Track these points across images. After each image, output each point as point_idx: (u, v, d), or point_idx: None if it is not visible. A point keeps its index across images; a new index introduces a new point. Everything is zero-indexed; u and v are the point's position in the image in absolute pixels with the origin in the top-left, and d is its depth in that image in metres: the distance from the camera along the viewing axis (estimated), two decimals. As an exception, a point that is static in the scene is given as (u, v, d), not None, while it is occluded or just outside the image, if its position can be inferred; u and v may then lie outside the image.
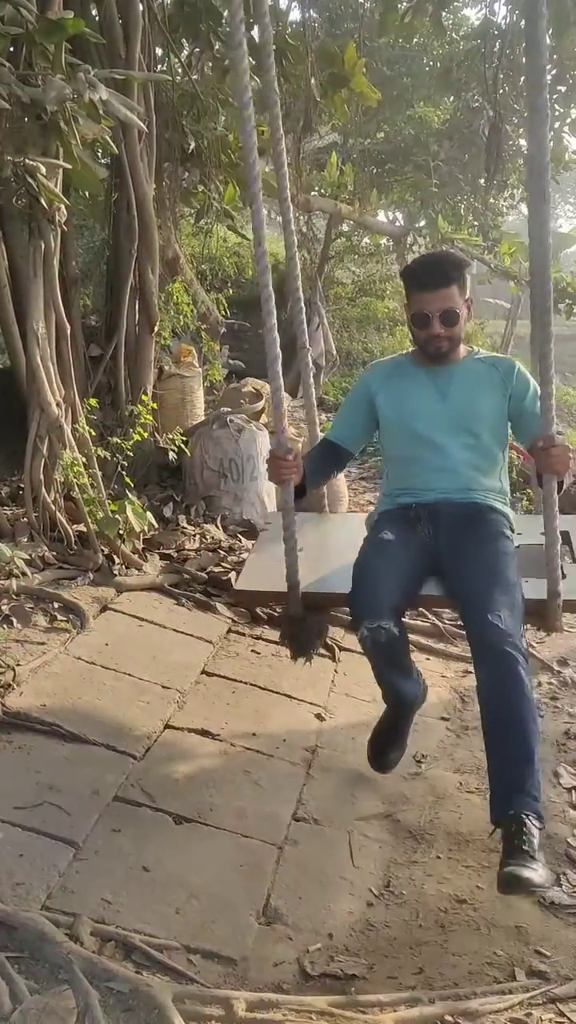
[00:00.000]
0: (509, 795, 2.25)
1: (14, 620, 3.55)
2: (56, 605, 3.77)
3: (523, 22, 8.86)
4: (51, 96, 3.64)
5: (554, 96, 10.56)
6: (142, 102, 5.05)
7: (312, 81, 6.38)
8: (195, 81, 5.90)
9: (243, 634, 4.09)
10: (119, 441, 4.60)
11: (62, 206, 4.13)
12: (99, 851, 2.44)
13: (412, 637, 4.30)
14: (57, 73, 3.70)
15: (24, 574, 3.84)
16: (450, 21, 10.68)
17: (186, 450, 5.32)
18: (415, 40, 11.01)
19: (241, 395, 6.41)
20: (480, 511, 2.74)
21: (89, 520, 4.23)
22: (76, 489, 4.21)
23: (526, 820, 2.19)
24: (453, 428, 2.76)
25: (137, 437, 4.72)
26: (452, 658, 4.24)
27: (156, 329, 5.69)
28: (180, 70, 5.95)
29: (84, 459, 4.30)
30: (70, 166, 3.99)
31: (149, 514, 4.54)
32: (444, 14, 8.44)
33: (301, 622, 2.86)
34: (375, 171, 11.74)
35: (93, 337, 5.78)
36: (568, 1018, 2.03)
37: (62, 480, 4.31)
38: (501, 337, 12.96)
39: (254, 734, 3.22)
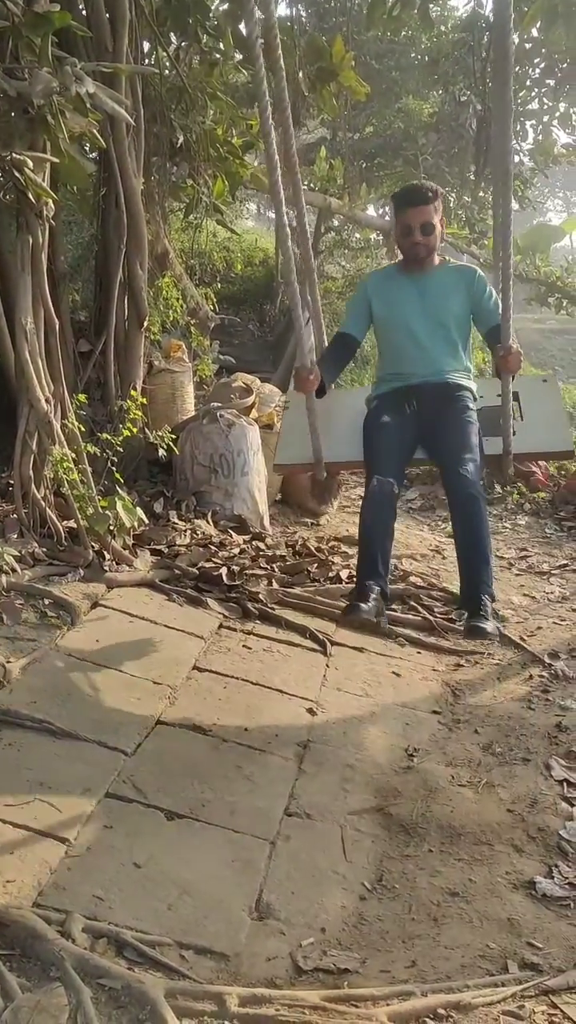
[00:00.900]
0: (474, 585, 3.32)
1: (4, 617, 3.53)
2: (46, 601, 3.75)
3: (511, 15, 8.86)
4: (38, 90, 3.62)
5: (542, 90, 10.58)
6: (129, 96, 5.02)
7: (300, 75, 6.36)
8: (183, 75, 5.87)
9: (234, 629, 4.08)
10: (109, 437, 4.59)
11: (50, 201, 4.11)
12: (91, 848, 2.43)
13: (403, 631, 4.33)
14: (44, 66, 3.68)
15: (14, 571, 3.82)
16: (436, 12, 10.65)
17: (174, 447, 5.31)
18: (403, 33, 11.00)
19: (231, 390, 6.38)
20: (451, 388, 3.65)
21: (79, 516, 4.22)
22: (66, 485, 4.19)
23: (482, 598, 3.27)
24: (430, 321, 3.66)
25: (127, 433, 4.71)
26: (443, 652, 4.24)
27: (145, 324, 5.67)
28: (168, 64, 5.92)
29: (74, 455, 4.29)
30: (57, 160, 3.97)
31: (139, 510, 4.52)
32: (431, 7, 8.42)
33: (324, 482, 4.64)
34: (364, 165, 11.72)
35: (82, 332, 5.76)
36: (561, 1010, 2.03)
37: (52, 476, 4.29)
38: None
39: (246, 729, 3.22)
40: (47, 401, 4.21)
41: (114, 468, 4.59)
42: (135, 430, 4.91)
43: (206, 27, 5.59)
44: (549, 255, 14.15)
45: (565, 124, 11.10)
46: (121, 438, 4.64)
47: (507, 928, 2.35)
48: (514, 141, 10.93)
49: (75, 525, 4.27)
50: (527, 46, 10.09)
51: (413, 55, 12.03)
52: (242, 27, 5.94)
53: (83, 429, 4.51)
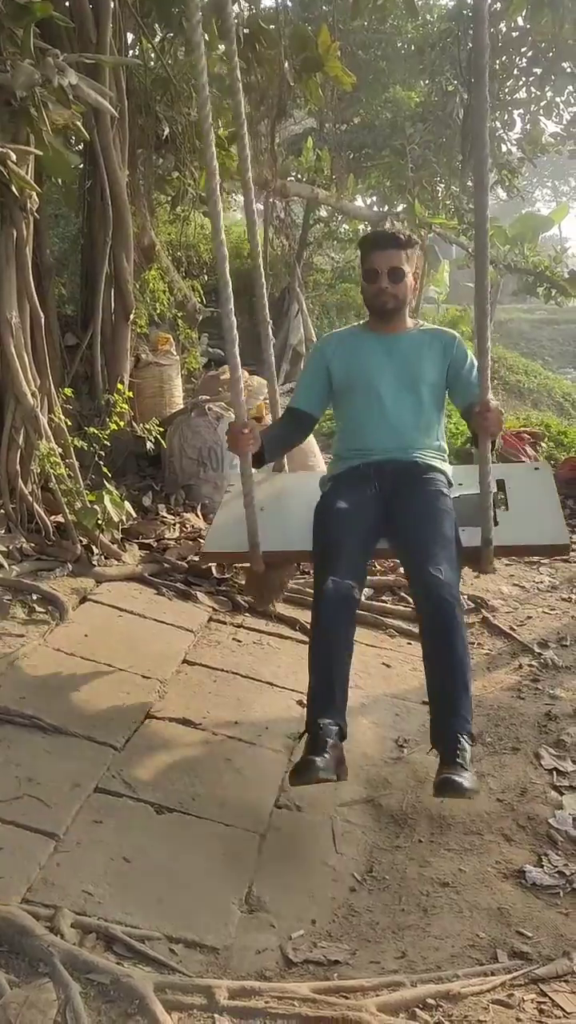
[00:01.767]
0: (447, 719, 2.62)
1: (-8, 612, 3.53)
2: (35, 597, 3.74)
3: (497, 4, 8.86)
4: (20, 81, 3.59)
5: (529, 79, 10.56)
6: (113, 87, 4.99)
7: (286, 65, 6.33)
8: (168, 66, 5.84)
9: (224, 622, 4.07)
10: (96, 431, 4.57)
11: (34, 194, 4.08)
12: (80, 843, 2.42)
13: (393, 622, 4.32)
14: (26, 58, 3.65)
15: (1, 566, 3.81)
16: (422, 2, 10.62)
17: (163, 440, 5.29)
18: (388, 23, 10.96)
19: (220, 383, 6.36)
20: (420, 469, 3.06)
21: (67, 511, 4.20)
22: (53, 480, 4.18)
23: (460, 739, 2.56)
24: (398, 387, 3.08)
25: (114, 427, 4.69)
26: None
27: (132, 317, 5.64)
28: (153, 55, 5.88)
29: (61, 449, 4.27)
30: (41, 153, 3.94)
31: (128, 504, 4.51)
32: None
33: (263, 576, 3.32)
34: (352, 156, 11.67)
35: (69, 326, 5.73)
36: (550, 998, 2.03)
37: (39, 471, 4.28)
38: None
39: (236, 722, 3.22)
40: (33, 395, 4.19)
41: (102, 462, 4.57)
42: (122, 424, 4.89)
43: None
44: (537, 244, 14.17)
45: (552, 113, 11.08)
46: (108, 432, 4.62)
47: (497, 917, 2.36)
48: (501, 131, 10.96)
49: (63, 520, 4.26)
50: (514, 35, 10.07)
51: (399, 45, 11.97)
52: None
53: (70, 423, 4.50)
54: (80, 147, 5.14)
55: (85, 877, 2.29)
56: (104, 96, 4.06)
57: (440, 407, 3.20)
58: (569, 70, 10.15)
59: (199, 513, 5.27)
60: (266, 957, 2.17)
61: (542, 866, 2.57)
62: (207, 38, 5.93)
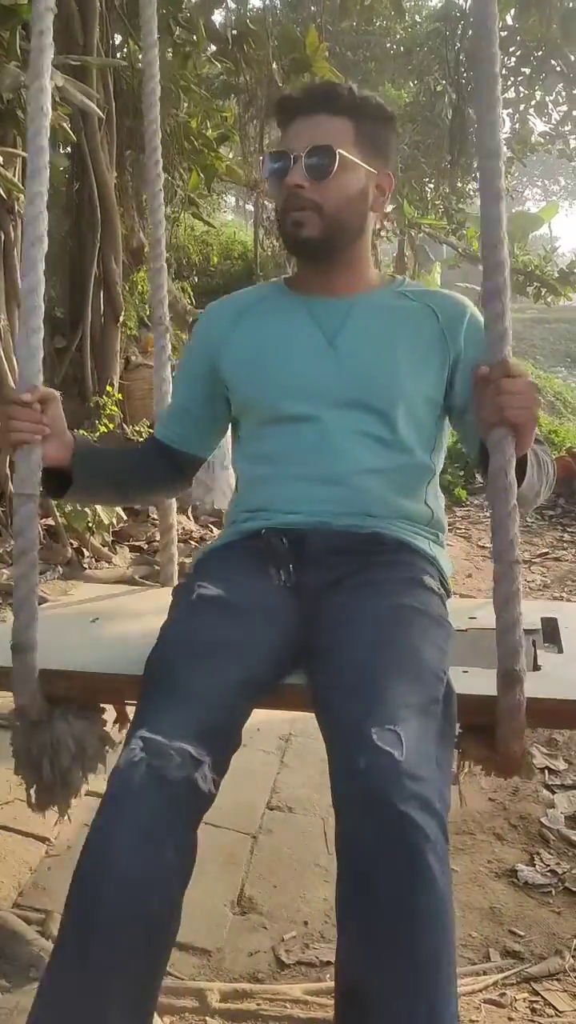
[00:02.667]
0: None
1: (-18, 616, 3.52)
2: (25, 600, 3.73)
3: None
4: (6, 83, 3.59)
5: (518, 79, 10.59)
6: (101, 89, 5.00)
7: (274, 66, 6.35)
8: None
9: (215, 624, 4.06)
10: (86, 433, 4.56)
11: (21, 196, 4.07)
12: (71, 846, 2.41)
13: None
14: (11, 60, 3.64)
15: (-8, 570, 3.81)
16: (410, 2, 10.64)
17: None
18: (377, 24, 10.99)
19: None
20: (383, 549, 1.58)
21: (57, 514, 4.20)
22: (43, 482, 4.18)
23: None
24: (344, 400, 1.60)
25: (104, 429, 4.69)
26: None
27: (121, 319, 5.65)
28: (140, 56, 5.88)
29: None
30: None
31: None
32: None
33: (41, 731, 1.64)
34: (341, 156, 11.70)
35: (57, 329, 5.73)
36: (542, 997, 2.03)
37: (29, 474, 4.27)
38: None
39: (227, 724, 3.20)
40: (22, 398, 4.18)
41: (92, 464, 4.56)
42: (112, 426, 4.89)
43: (179, 19, 5.56)
44: (527, 244, 14.20)
45: (541, 113, 11.12)
46: (99, 434, 4.62)
47: (489, 917, 2.36)
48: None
49: (53, 523, 4.25)
50: (503, 34, 10.10)
51: (388, 45, 12.02)
52: (215, 18, 5.92)
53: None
54: (67, 149, 5.14)
55: (76, 881, 2.28)
56: (91, 98, 4.05)
57: (432, 439, 1.68)
58: (558, 69, 10.19)
59: (190, 515, 5.26)
60: (258, 959, 2.17)
61: (534, 865, 2.56)
62: (195, 39, 5.96)
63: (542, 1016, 1.98)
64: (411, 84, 11.66)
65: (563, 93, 10.79)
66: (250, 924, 2.29)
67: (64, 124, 3.97)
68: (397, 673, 1.28)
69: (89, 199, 5.24)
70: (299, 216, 1.56)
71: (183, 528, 5.07)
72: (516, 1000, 2.01)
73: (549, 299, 12.25)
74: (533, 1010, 2.00)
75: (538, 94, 10.76)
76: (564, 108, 11.05)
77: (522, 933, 2.29)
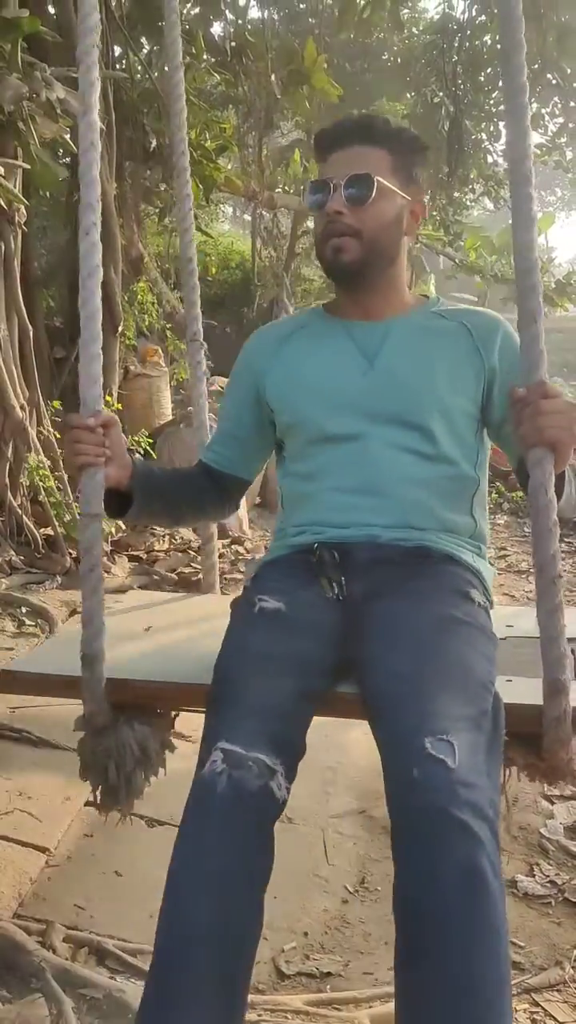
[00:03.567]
0: None
1: (-18, 626, 3.52)
2: (24, 610, 3.73)
3: (482, 16, 8.94)
4: (8, 95, 3.61)
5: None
6: (101, 100, 5.01)
7: (273, 78, 6.38)
8: (155, 79, 5.86)
9: (214, 634, 4.07)
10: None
11: (22, 207, 4.09)
12: (71, 857, 2.42)
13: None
14: (13, 72, 3.66)
15: (-9, 579, 3.81)
16: (406, 14, 10.69)
17: (152, 452, 5.29)
18: (374, 36, 11.05)
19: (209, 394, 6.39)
20: (428, 560, 1.65)
21: (56, 523, 4.21)
22: (42, 492, 4.18)
23: None
24: (385, 417, 1.68)
25: (103, 438, 4.69)
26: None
27: (120, 329, 5.66)
28: (139, 68, 5.91)
29: (50, 462, 4.27)
30: (29, 166, 3.95)
31: (117, 516, 4.51)
32: (402, 10, 8.48)
33: (106, 736, 1.72)
34: (339, 167, 11.74)
35: (57, 339, 5.75)
36: (543, 1008, 2.03)
37: (28, 484, 4.28)
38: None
39: (227, 734, 3.20)
40: (22, 408, 4.19)
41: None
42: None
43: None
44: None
45: (537, 125, 11.17)
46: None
47: (489, 927, 2.36)
48: (487, 142, 11.04)
49: (52, 532, 4.26)
50: (499, 47, 10.15)
51: (385, 57, 12.09)
52: (213, 30, 5.95)
53: (59, 436, 4.49)
54: (68, 160, 5.16)
55: (77, 891, 2.28)
56: (92, 109, 4.07)
57: (474, 453, 1.75)
58: (554, 82, 10.25)
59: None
60: (258, 970, 2.16)
61: (534, 876, 2.56)
62: (194, 51, 6.00)
63: (542, 1027, 1.98)
64: (408, 96, 11.72)
65: (559, 105, 10.85)
66: (250, 935, 2.29)
67: (65, 136, 3.99)
68: (446, 683, 1.35)
69: (89, 209, 5.26)
70: (339, 242, 1.66)
71: (181, 537, 5.08)
72: (516, 1011, 2.01)
73: (545, 310, 12.26)
74: (533, 1021, 2.00)
75: (534, 106, 10.82)
76: (560, 120, 11.12)
77: (522, 944, 2.29)
